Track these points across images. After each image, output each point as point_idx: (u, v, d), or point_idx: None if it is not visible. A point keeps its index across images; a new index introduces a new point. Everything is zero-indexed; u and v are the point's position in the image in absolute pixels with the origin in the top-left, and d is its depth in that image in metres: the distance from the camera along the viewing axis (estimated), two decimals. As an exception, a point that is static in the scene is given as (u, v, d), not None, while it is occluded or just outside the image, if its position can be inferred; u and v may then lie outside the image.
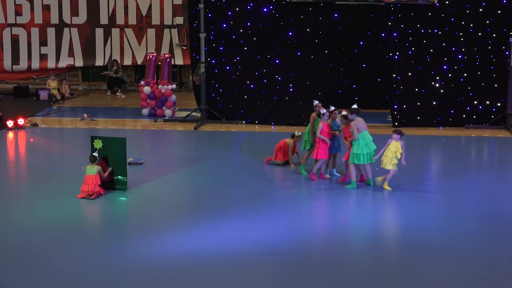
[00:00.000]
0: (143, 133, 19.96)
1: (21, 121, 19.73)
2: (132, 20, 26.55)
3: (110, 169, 13.56)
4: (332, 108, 14.85)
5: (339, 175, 14.81)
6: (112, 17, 26.57)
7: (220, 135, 19.39)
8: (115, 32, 26.63)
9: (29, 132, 19.39)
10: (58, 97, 24.90)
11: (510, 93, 20.16)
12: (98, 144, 13.61)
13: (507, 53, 20.05)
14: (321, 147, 14.25)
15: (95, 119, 21.23)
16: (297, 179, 14.57)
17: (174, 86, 22.14)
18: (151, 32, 26.56)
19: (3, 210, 12.82)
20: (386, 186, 13.89)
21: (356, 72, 22.86)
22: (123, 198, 13.39)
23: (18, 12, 26.77)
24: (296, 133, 15.63)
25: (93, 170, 13.36)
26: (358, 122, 13.92)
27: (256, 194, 13.71)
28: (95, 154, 13.57)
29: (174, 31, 26.34)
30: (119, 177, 13.65)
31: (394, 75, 20.49)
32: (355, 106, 14.21)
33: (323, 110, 14.56)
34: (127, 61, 26.72)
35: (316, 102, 15.25)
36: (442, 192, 13.96)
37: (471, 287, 9.73)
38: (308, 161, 15.14)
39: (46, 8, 26.60)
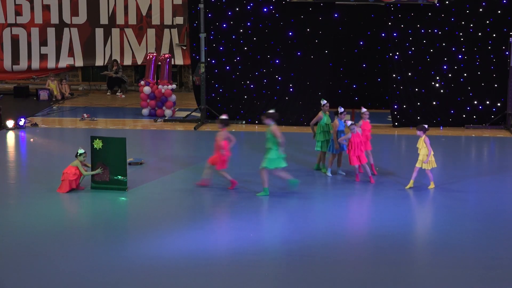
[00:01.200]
0: (143, 133, 19.96)
1: (21, 121, 19.73)
2: (132, 20, 26.55)
3: (99, 170, 13.63)
4: (342, 109, 15.00)
5: (344, 173, 14.94)
6: (112, 17, 26.57)
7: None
8: (115, 32, 26.63)
9: (29, 132, 19.39)
10: (59, 97, 24.91)
11: (510, 93, 20.16)
12: (98, 144, 13.62)
13: (507, 53, 20.06)
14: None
15: (95, 119, 21.23)
16: (297, 179, 14.53)
17: (174, 86, 22.15)
18: (151, 32, 26.56)
19: (3, 210, 12.82)
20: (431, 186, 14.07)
21: (356, 72, 22.86)
22: (123, 198, 13.40)
23: (18, 12, 26.77)
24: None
25: (73, 163, 13.61)
26: (277, 127, 13.54)
27: (256, 194, 13.70)
28: (81, 151, 13.63)
29: (174, 31, 26.34)
30: (119, 177, 13.65)
31: (394, 75, 20.49)
32: (272, 110, 14.00)
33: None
34: (127, 61, 26.72)
35: (324, 101, 15.36)
36: (442, 192, 13.95)
37: (471, 287, 9.73)
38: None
39: (46, 8, 26.60)
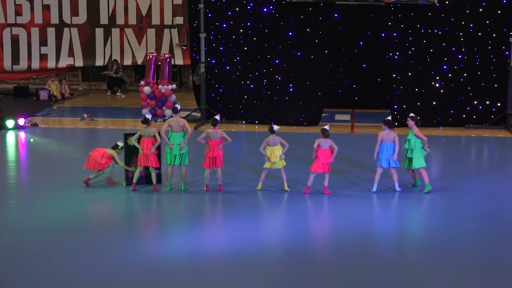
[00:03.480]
0: (143, 133, 19.92)
1: (21, 121, 19.72)
2: (132, 20, 26.54)
3: (133, 168, 14.00)
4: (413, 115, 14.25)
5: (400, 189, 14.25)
6: (112, 17, 26.57)
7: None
8: (115, 32, 26.63)
9: (29, 132, 19.39)
10: (59, 98, 24.91)
11: (510, 93, 20.15)
12: (131, 141, 13.88)
13: (507, 53, 20.05)
14: None
15: (95, 119, 21.23)
16: (296, 179, 14.54)
17: (174, 86, 22.15)
18: (151, 32, 26.56)
19: (3, 210, 12.83)
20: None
21: (356, 72, 22.85)
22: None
23: (18, 12, 26.77)
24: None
25: (109, 150, 13.98)
26: (172, 120, 13.87)
27: (256, 194, 13.71)
28: (119, 142, 14.01)
29: (174, 31, 26.34)
30: (155, 170, 14.01)
31: (394, 75, 20.49)
32: (177, 105, 14.21)
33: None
34: (127, 61, 26.71)
35: (412, 115, 14.22)
36: (442, 192, 13.94)
37: (471, 287, 9.73)
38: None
39: (46, 8, 26.60)
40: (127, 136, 14.07)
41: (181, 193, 13.78)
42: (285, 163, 13.79)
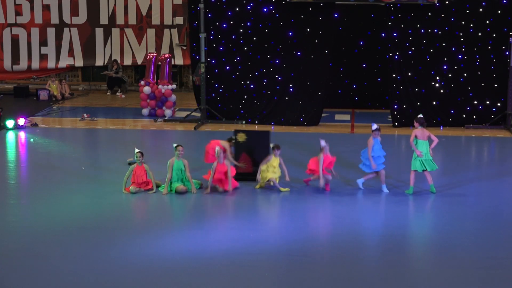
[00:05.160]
0: (143, 133, 19.96)
1: (21, 121, 19.72)
2: (132, 20, 26.55)
3: (242, 164, 14.24)
4: (375, 126, 14.22)
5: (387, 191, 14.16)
6: (112, 17, 26.57)
7: (220, 135, 19.32)
8: (115, 32, 26.63)
9: (29, 132, 19.39)
10: (59, 97, 24.91)
11: (510, 93, 20.16)
12: (241, 137, 14.35)
13: (507, 53, 20.05)
14: None
15: (95, 119, 21.22)
16: (296, 179, 14.53)
17: (174, 86, 22.16)
18: (151, 32, 26.56)
19: (3, 210, 12.83)
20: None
21: (356, 72, 22.86)
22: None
23: (18, 12, 26.77)
24: None
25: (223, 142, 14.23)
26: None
27: (256, 194, 13.71)
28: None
29: (174, 31, 26.35)
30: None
31: (394, 75, 20.50)
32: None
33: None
34: (127, 61, 26.72)
35: (418, 116, 14.06)
36: (442, 192, 13.94)
37: (471, 287, 9.73)
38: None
39: (46, 8, 26.60)
40: (237, 132, 14.42)
41: (180, 193, 13.77)
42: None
